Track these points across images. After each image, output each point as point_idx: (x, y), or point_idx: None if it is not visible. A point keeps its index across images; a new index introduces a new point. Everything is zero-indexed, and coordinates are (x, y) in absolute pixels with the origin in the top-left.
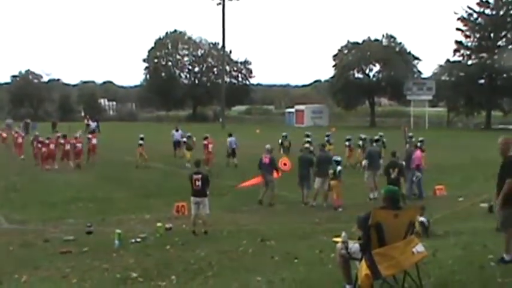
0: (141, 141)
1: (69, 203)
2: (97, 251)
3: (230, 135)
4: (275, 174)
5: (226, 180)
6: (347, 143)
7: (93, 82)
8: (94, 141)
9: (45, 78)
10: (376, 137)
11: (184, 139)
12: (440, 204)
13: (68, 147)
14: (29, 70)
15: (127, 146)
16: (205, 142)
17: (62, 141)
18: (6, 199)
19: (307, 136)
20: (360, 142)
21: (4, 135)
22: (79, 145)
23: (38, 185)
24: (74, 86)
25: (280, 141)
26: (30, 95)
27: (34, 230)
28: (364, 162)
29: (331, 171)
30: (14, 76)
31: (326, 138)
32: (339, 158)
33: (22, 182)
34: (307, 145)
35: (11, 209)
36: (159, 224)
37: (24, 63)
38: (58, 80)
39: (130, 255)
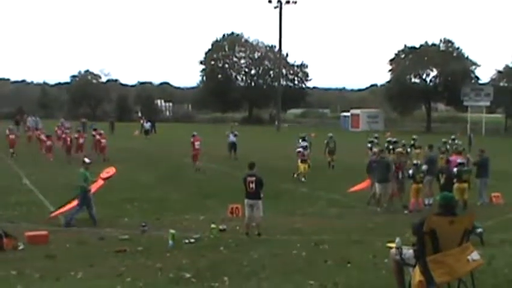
0: (369, 145)
1: (125, 202)
2: (151, 250)
3: (303, 139)
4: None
5: (282, 184)
6: (369, 145)
7: (150, 83)
8: (103, 141)
9: (103, 79)
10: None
11: (300, 149)
12: (496, 211)
13: (81, 141)
14: (88, 70)
15: (183, 146)
16: (192, 140)
17: (76, 135)
18: (63, 197)
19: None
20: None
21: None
22: (103, 141)
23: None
24: (132, 86)
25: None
26: (88, 95)
27: (90, 228)
28: (423, 167)
29: (420, 175)
30: (73, 76)
31: (412, 142)
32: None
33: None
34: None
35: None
36: (213, 225)
37: (83, 63)
38: (116, 80)
39: (184, 256)
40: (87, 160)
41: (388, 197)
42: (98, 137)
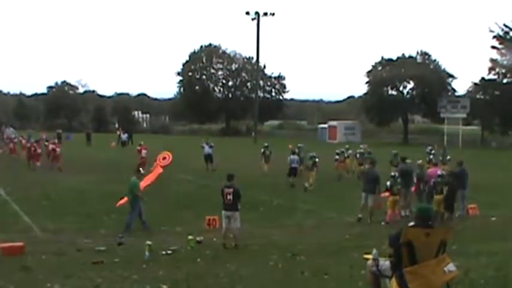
0: (337, 157)
1: (102, 213)
2: (128, 262)
3: (293, 153)
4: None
5: (259, 195)
6: (337, 157)
7: (127, 94)
8: (58, 150)
9: (80, 90)
10: (361, 151)
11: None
12: (472, 223)
13: (39, 151)
14: (65, 81)
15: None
16: (139, 148)
17: (35, 144)
18: (39, 208)
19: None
20: (357, 155)
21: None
22: (58, 150)
23: (72, 195)
24: (109, 97)
25: (262, 150)
26: (65, 106)
27: (67, 240)
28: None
29: (398, 187)
30: (50, 87)
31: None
32: (394, 173)
33: (56, 191)
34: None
35: (45, 217)
36: (190, 237)
37: (60, 74)
38: (93, 91)
39: (161, 267)
40: (142, 170)
41: (370, 209)
42: (51, 146)
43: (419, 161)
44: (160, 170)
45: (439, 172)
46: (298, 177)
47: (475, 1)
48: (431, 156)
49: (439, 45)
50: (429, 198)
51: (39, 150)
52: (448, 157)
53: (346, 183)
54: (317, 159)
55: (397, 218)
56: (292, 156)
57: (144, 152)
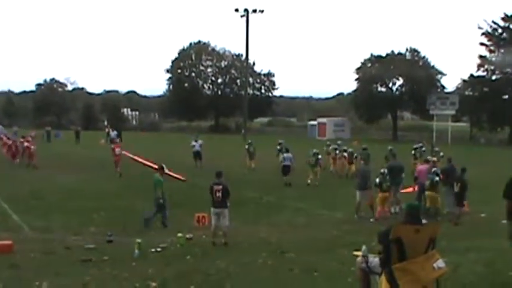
0: (344, 153)
1: (91, 211)
2: (117, 259)
3: (287, 151)
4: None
5: (249, 192)
6: (344, 154)
7: (116, 91)
8: (32, 148)
9: (69, 87)
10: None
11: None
12: (462, 220)
13: (19, 148)
14: (53, 78)
15: (149, 155)
16: (113, 146)
17: (16, 142)
18: (28, 206)
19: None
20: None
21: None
22: (32, 147)
23: (61, 192)
24: (98, 95)
25: (246, 147)
26: (54, 104)
27: (56, 238)
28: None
29: (387, 184)
30: (38, 84)
31: (336, 146)
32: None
33: (45, 189)
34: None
35: (34, 216)
36: (179, 234)
37: (48, 71)
38: (82, 88)
39: (150, 265)
40: (165, 169)
41: (369, 206)
42: (26, 144)
43: (434, 158)
44: (126, 153)
45: (434, 169)
46: (290, 175)
47: None
48: (422, 153)
49: (428, 42)
50: (420, 194)
51: (19, 148)
52: (442, 154)
53: (337, 181)
54: (319, 156)
55: (387, 215)
56: (285, 154)
57: (117, 150)
